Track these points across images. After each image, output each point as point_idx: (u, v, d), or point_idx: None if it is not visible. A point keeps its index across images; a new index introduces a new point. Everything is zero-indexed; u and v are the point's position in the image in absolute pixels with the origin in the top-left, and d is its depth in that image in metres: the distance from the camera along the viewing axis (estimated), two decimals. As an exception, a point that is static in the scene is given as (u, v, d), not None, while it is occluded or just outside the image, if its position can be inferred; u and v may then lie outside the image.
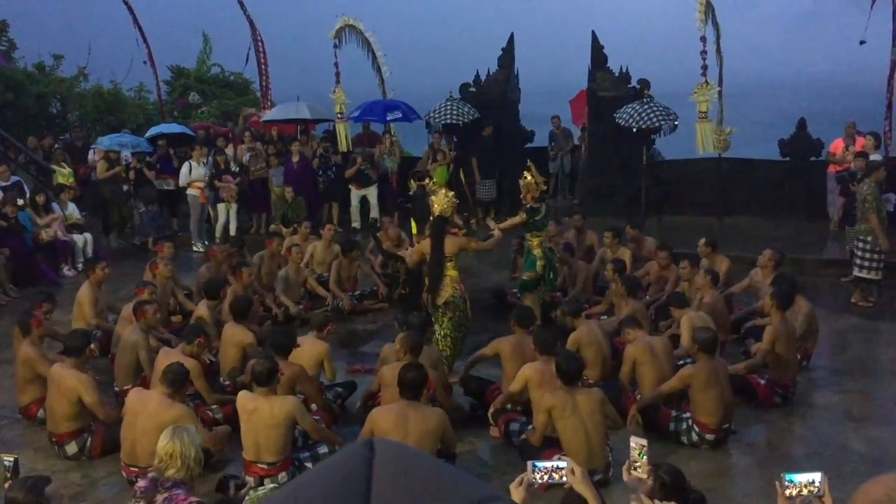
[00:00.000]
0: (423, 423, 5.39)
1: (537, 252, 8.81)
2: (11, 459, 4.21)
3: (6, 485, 4.12)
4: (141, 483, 4.35)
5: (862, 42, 13.62)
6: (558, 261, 9.22)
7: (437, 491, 0.75)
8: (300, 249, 10.13)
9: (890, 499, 1.39)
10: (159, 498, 4.19)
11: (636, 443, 3.62)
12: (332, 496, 0.75)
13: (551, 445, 5.84)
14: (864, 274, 9.60)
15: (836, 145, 12.52)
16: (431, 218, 7.82)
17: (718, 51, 12.67)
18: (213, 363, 7.68)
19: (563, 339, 7.17)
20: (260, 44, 17.80)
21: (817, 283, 10.56)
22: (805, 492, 3.45)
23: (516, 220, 8.96)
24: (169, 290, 9.19)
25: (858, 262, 9.63)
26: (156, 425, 5.53)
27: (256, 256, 10.32)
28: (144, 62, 17.74)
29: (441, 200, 7.68)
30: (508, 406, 6.57)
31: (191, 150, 13.78)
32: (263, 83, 18.38)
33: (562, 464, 3.22)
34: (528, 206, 8.68)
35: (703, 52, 12.33)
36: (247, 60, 18.43)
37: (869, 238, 9.43)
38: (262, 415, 5.63)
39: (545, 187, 9.08)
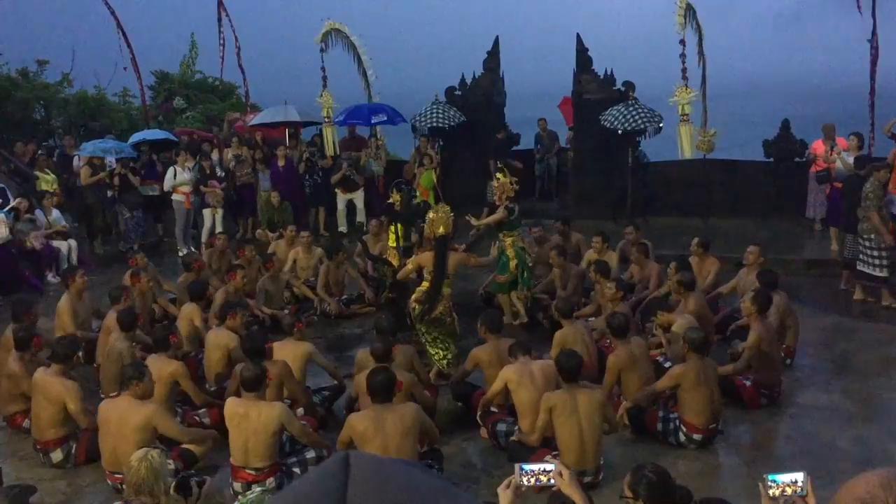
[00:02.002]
0: (401, 422, 5.39)
1: (510, 252, 8.88)
2: None
3: None
4: None
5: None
6: (533, 260, 9.29)
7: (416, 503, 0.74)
8: (278, 258, 10.09)
9: (872, 496, 1.40)
10: None
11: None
12: None
13: (543, 445, 5.87)
14: (867, 270, 9.69)
15: (817, 146, 12.60)
16: (433, 237, 7.79)
17: (701, 52, 12.73)
18: (200, 362, 7.68)
19: (549, 339, 7.19)
20: (237, 48, 17.80)
21: (801, 283, 10.63)
22: (788, 491, 3.46)
23: (496, 217, 9.00)
24: (150, 299, 9.15)
25: (863, 257, 9.72)
26: (131, 428, 5.62)
27: (238, 262, 10.29)
28: (125, 68, 17.65)
29: (441, 219, 7.67)
30: (494, 409, 6.59)
31: (175, 156, 13.75)
32: (245, 86, 18.38)
33: (549, 466, 3.22)
34: (505, 205, 8.75)
35: (683, 55, 12.41)
36: (222, 62, 18.37)
37: (873, 236, 9.53)
38: (250, 420, 5.62)
39: (518, 187, 9.15)
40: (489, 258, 8.63)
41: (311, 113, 15.38)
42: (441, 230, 7.65)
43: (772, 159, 13.57)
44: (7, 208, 11.70)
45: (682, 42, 12.37)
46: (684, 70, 12.41)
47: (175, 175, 13.13)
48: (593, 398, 5.79)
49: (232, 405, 5.76)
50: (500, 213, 8.93)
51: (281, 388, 6.50)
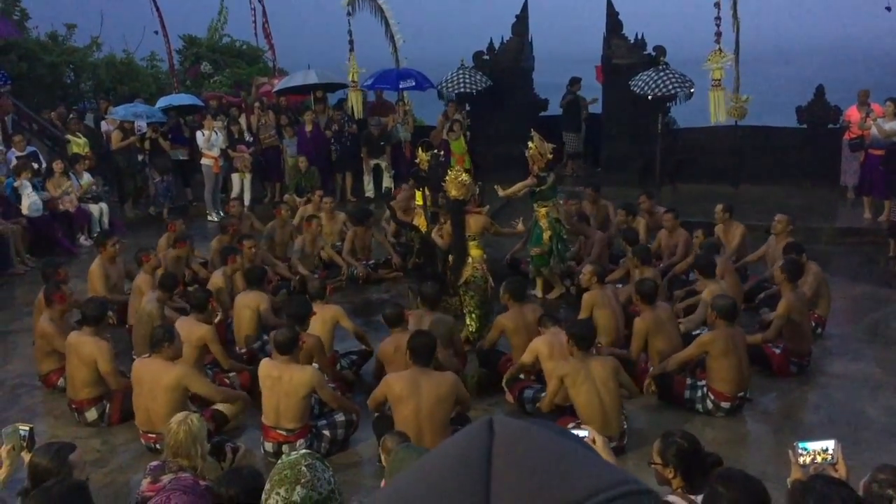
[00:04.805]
0: (436, 389, 5.44)
1: (543, 223, 8.75)
2: (27, 429, 4.26)
3: (23, 454, 4.17)
4: (153, 464, 4.44)
5: (888, 9, 13.35)
6: (568, 231, 9.19)
7: (563, 474, 0.71)
8: (319, 221, 10.11)
9: None
10: (165, 478, 4.25)
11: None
12: (452, 478, 0.72)
13: (566, 413, 5.89)
14: None
15: (852, 113, 12.37)
16: (448, 201, 7.78)
17: (735, 16, 12.49)
18: (229, 326, 7.76)
19: (575, 306, 7.18)
20: (263, 13, 17.74)
21: (832, 251, 10.52)
22: (819, 459, 3.47)
23: (523, 184, 8.90)
24: (182, 261, 9.24)
25: None
26: (162, 389, 5.72)
27: (269, 226, 10.36)
28: (156, 32, 17.70)
29: (451, 182, 7.63)
30: (522, 375, 6.62)
31: (201, 119, 13.81)
32: (272, 53, 18.37)
33: (583, 432, 3.25)
34: (535, 174, 8.66)
35: (718, 19, 12.19)
36: (255, 28, 18.37)
37: None
38: (283, 383, 5.70)
39: (551, 156, 8.99)
40: (509, 230, 8.57)
41: (333, 76, 15.32)
42: (453, 193, 7.62)
43: (805, 125, 13.35)
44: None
45: (717, 5, 12.15)
46: (719, 34, 12.19)
47: (209, 138, 13.15)
48: (606, 364, 5.79)
49: (266, 367, 5.84)
50: (527, 181, 8.84)
51: (311, 360, 6.54)
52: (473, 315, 7.73)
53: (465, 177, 7.74)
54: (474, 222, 7.85)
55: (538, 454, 0.73)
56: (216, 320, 7.21)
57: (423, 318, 6.71)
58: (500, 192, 9.22)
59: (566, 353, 6.05)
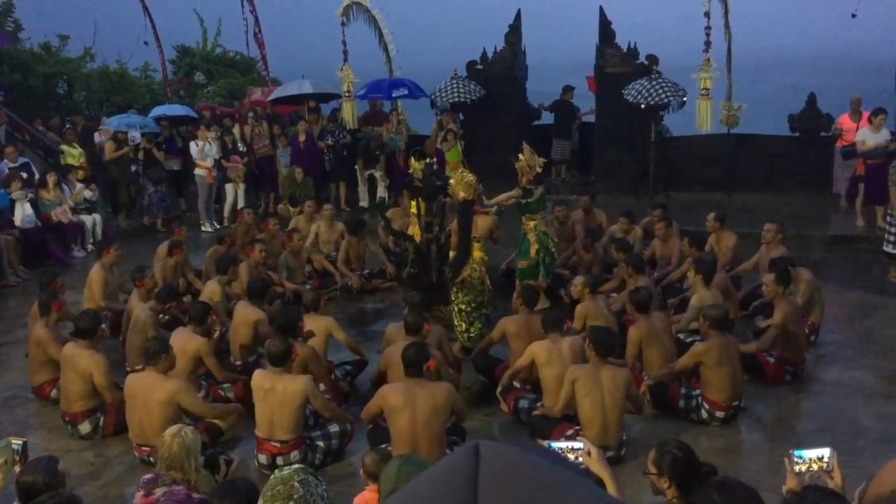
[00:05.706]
0: (432, 399, 5.42)
1: (531, 236, 8.71)
2: (20, 443, 4.20)
3: (16, 468, 4.14)
4: (146, 476, 4.41)
5: (853, 15, 13.49)
6: (555, 244, 9.16)
7: (549, 500, 0.72)
8: (300, 235, 10.10)
9: None
10: (158, 491, 4.22)
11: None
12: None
13: (565, 420, 5.89)
14: (889, 249, 9.55)
15: (843, 121, 12.40)
16: (457, 202, 7.77)
17: (727, 25, 12.54)
18: (223, 337, 7.74)
19: (569, 315, 7.18)
20: (256, 23, 17.75)
21: (826, 259, 10.55)
22: (814, 467, 3.46)
23: (507, 195, 8.89)
24: (178, 272, 9.23)
25: (887, 235, 9.56)
26: (156, 403, 5.69)
27: (260, 237, 10.35)
28: (146, 42, 17.69)
29: (458, 183, 7.62)
30: (517, 384, 6.60)
31: (195, 130, 13.81)
32: (265, 62, 18.40)
33: (578, 444, 3.24)
34: (522, 185, 8.66)
35: (708, 28, 12.22)
36: (247, 39, 18.41)
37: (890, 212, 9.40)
38: (276, 394, 5.69)
39: (541, 169, 8.96)
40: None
41: (328, 86, 15.33)
42: (462, 194, 7.61)
43: (797, 133, 13.40)
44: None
45: (707, 15, 12.20)
46: (708, 44, 12.23)
47: (203, 148, 13.14)
48: (618, 375, 5.78)
49: (258, 378, 5.83)
50: (512, 192, 8.82)
51: (305, 370, 6.52)
52: (463, 314, 7.72)
53: (470, 177, 7.73)
54: (482, 223, 7.86)
55: (525, 480, 0.73)
56: (215, 335, 7.21)
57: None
58: (486, 202, 9.24)
59: (566, 361, 6.04)
